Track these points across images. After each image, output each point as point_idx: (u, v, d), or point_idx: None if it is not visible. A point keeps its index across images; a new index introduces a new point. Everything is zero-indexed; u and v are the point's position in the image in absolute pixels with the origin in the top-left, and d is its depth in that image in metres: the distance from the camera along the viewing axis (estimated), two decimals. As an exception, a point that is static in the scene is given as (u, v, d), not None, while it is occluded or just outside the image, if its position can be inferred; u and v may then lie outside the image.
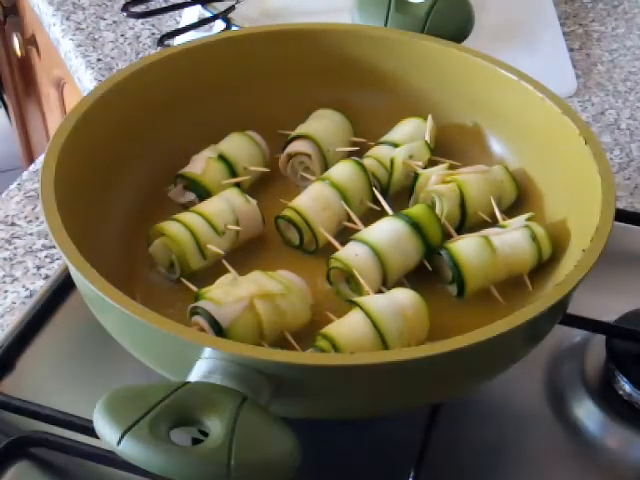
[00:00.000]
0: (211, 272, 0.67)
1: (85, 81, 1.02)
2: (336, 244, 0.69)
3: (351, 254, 0.67)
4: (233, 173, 0.75)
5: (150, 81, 0.75)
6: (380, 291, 0.67)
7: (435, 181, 0.73)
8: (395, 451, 0.65)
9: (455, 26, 0.81)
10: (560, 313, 0.63)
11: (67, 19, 1.09)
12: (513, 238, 0.69)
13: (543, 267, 0.69)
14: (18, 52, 1.53)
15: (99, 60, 1.03)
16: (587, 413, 0.68)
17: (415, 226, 0.69)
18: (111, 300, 0.56)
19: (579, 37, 1.08)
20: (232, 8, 1.02)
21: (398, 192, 0.76)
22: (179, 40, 0.98)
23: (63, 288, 0.75)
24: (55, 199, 0.62)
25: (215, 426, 0.49)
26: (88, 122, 0.69)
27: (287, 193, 0.75)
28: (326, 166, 0.76)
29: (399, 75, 0.80)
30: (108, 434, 0.49)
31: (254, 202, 0.72)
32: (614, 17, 1.12)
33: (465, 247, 0.68)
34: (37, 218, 0.84)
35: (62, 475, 0.64)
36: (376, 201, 0.73)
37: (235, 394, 0.51)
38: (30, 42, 1.47)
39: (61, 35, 1.08)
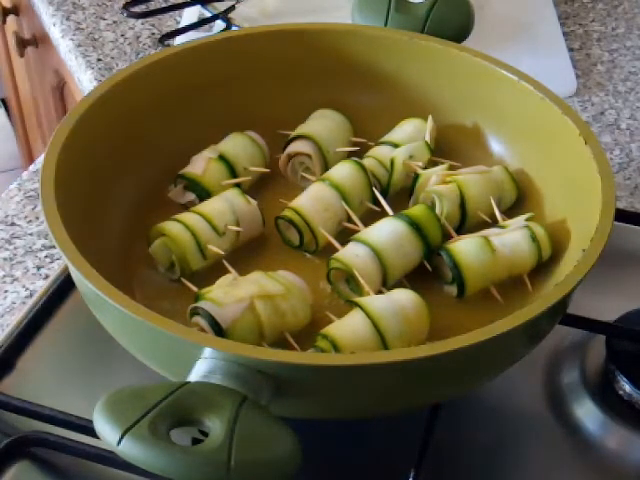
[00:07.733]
0: (211, 272, 0.67)
1: (85, 81, 1.02)
2: (336, 244, 0.69)
3: (351, 254, 0.67)
4: (233, 173, 0.75)
5: (150, 81, 0.75)
6: (380, 291, 0.67)
7: (435, 181, 0.73)
8: (395, 451, 0.65)
9: (455, 26, 0.81)
10: (560, 313, 0.63)
11: (67, 19, 1.09)
12: (513, 238, 0.69)
13: (543, 267, 0.69)
14: (18, 52, 1.53)
15: (99, 60, 1.03)
16: (587, 413, 0.68)
17: (415, 226, 0.69)
18: (111, 300, 0.56)
19: (579, 37, 1.08)
20: (232, 8, 1.02)
21: (398, 192, 0.76)
22: (179, 40, 0.98)
23: (63, 288, 0.75)
24: (55, 199, 0.62)
25: (215, 426, 0.49)
26: (88, 122, 0.69)
27: (287, 193, 0.75)
28: (326, 166, 0.76)
29: (399, 75, 0.80)
30: (108, 434, 0.49)
31: (254, 202, 0.72)
32: (614, 17, 1.12)
33: (465, 248, 0.68)
34: (37, 218, 0.84)
35: (62, 475, 0.64)
36: (376, 201, 0.73)
37: (235, 394, 0.51)
38: (30, 42, 1.47)
39: (61, 35, 1.08)
